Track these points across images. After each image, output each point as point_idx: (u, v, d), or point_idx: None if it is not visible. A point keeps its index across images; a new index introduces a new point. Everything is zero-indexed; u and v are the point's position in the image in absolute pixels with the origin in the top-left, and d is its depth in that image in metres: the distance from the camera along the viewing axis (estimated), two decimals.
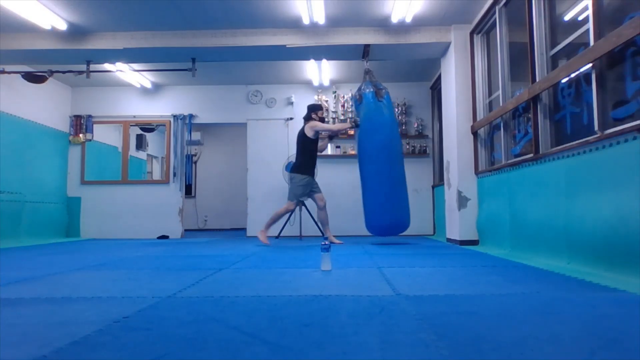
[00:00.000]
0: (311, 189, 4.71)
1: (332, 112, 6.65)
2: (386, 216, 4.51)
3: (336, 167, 6.60)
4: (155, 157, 8.67)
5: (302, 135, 4.74)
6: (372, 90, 4.49)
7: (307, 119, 4.79)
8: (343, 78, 6.49)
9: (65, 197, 6.68)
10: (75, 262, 3.19)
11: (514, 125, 3.86)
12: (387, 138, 4.47)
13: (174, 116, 6.79)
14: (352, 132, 4.87)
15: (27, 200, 5.80)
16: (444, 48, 4.91)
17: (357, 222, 6.52)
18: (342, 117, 6.62)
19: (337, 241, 4.77)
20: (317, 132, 4.69)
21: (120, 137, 7.01)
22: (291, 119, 6.65)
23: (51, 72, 5.39)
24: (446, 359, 1.03)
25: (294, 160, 5.90)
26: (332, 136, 5.00)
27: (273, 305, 1.64)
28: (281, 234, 6.10)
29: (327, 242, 2.62)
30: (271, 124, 6.74)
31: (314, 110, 4.82)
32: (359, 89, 4.64)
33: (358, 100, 4.61)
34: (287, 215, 5.01)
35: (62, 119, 6.65)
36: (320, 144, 4.87)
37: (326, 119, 4.89)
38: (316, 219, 4.85)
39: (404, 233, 4.95)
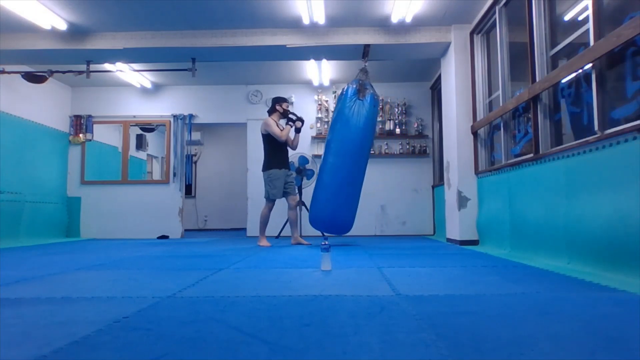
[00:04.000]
0: (284, 188, 4.56)
1: (332, 112, 6.65)
2: (337, 214, 4.40)
3: None
4: (155, 157, 8.67)
5: (261, 133, 4.62)
6: (355, 87, 4.40)
7: (271, 111, 4.67)
8: (343, 78, 6.49)
9: (65, 197, 6.68)
10: (75, 262, 3.19)
11: (514, 125, 3.86)
12: (357, 136, 4.34)
13: (174, 116, 6.79)
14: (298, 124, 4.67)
15: (27, 200, 5.80)
16: (444, 48, 4.91)
17: (358, 222, 6.50)
18: None
19: (304, 242, 4.72)
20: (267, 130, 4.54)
21: (120, 137, 7.01)
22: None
23: (51, 72, 5.39)
24: (446, 359, 1.03)
25: (294, 160, 5.92)
26: (298, 129, 4.69)
27: (273, 305, 1.64)
28: (281, 234, 6.11)
29: (327, 242, 2.62)
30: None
31: (278, 102, 4.67)
32: (349, 83, 4.58)
33: (342, 93, 4.50)
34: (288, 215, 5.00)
35: (62, 119, 6.65)
36: (291, 139, 4.69)
37: (290, 111, 4.66)
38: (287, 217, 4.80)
39: (402, 233, 4.94)
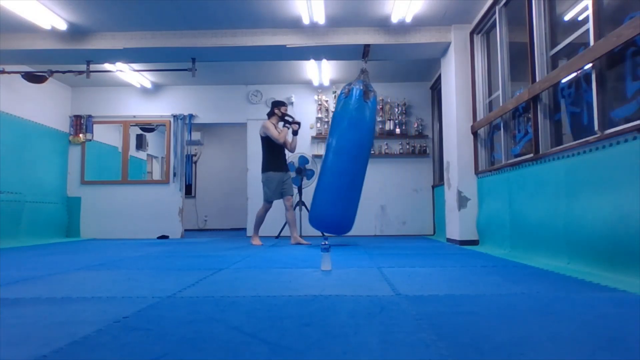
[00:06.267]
0: (281, 190, 4.64)
1: (332, 112, 6.65)
2: (336, 213, 4.43)
3: None
4: (155, 157, 8.67)
5: (260, 135, 4.72)
6: (361, 88, 4.44)
7: (270, 114, 4.78)
8: (343, 78, 6.49)
9: (65, 197, 6.68)
10: (75, 262, 3.19)
11: (514, 125, 3.86)
12: (361, 138, 4.38)
13: (174, 116, 6.79)
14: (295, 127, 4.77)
15: (27, 200, 5.80)
16: (444, 48, 4.91)
17: (358, 222, 6.51)
18: None
19: (303, 242, 4.75)
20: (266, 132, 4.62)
21: (120, 137, 7.00)
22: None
23: (51, 72, 5.39)
24: (446, 359, 1.03)
25: (294, 160, 5.93)
26: (295, 132, 4.77)
27: (273, 305, 1.64)
28: (281, 234, 6.11)
29: (327, 242, 2.62)
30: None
31: (277, 106, 4.79)
32: (349, 84, 4.57)
33: (345, 93, 4.51)
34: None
35: (62, 119, 6.65)
36: (289, 142, 4.78)
37: (290, 120, 4.74)
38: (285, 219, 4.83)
39: (402, 233, 4.94)
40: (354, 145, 4.37)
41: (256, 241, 4.70)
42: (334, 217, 4.45)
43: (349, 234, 6.42)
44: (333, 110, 6.60)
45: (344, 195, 4.41)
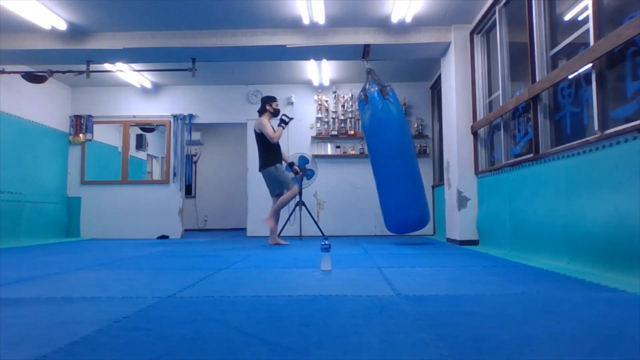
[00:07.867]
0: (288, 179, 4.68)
1: (332, 112, 6.66)
2: (409, 213, 4.52)
3: (336, 167, 6.60)
4: (155, 157, 8.67)
5: (255, 131, 4.69)
6: (377, 88, 4.48)
7: (262, 111, 4.71)
8: (343, 78, 6.49)
9: (65, 197, 6.68)
10: (75, 262, 3.19)
11: (514, 125, 3.86)
12: (399, 135, 4.47)
13: (174, 116, 6.79)
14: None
15: (27, 200, 5.80)
16: (444, 48, 4.91)
17: (358, 222, 6.54)
18: (342, 117, 6.63)
19: (282, 242, 4.73)
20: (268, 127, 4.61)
21: (120, 137, 7.01)
22: (291, 119, 6.65)
23: (51, 72, 5.39)
24: (446, 359, 1.03)
25: (294, 160, 5.92)
26: (285, 123, 4.69)
27: (273, 305, 1.64)
28: (281, 234, 6.10)
29: (327, 242, 2.62)
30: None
31: (268, 102, 4.72)
32: (364, 89, 4.60)
33: (363, 100, 4.57)
34: (288, 215, 4.99)
35: (62, 119, 6.65)
36: (276, 133, 4.64)
37: (283, 120, 4.71)
38: (275, 202, 4.71)
39: (404, 233, 4.95)
40: (396, 145, 4.45)
41: (270, 223, 4.59)
42: (410, 216, 4.55)
43: (349, 233, 6.44)
44: (333, 110, 6.65)
45: (411, 194, 4.49)
